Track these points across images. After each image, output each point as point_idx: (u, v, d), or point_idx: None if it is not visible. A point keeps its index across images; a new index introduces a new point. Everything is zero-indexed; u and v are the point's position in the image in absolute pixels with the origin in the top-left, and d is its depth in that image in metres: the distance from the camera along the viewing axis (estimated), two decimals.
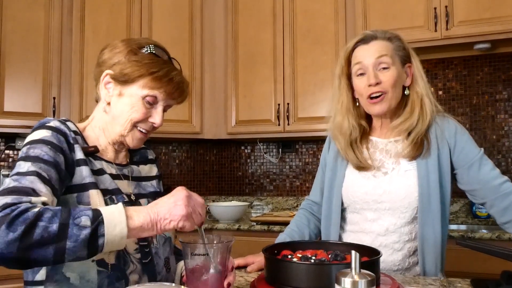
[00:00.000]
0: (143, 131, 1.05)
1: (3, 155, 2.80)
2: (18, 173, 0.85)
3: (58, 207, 0.81)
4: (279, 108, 2.84)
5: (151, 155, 1.22)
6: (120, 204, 0.85)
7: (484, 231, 2.31)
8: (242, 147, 3.33)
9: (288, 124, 2.81)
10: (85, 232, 0.77)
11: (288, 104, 2.82)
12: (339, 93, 1.39)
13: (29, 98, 2.57)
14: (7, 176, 2.42)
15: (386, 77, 1.27)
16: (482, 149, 1.31)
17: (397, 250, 1.29)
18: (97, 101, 1.10)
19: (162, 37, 2.81)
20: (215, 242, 0.91)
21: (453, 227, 2.53)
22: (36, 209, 0.78)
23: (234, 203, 2.90)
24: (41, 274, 0.93)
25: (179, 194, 0.88)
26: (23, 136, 2.77)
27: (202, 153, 3.37)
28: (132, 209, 0.85)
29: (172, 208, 0.86)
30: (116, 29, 2.75)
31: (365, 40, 1.32)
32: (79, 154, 0.97)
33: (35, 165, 0.87)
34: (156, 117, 1.04)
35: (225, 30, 3.03)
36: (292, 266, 0.92)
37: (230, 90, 2.99)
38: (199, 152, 3.36)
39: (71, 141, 0.97)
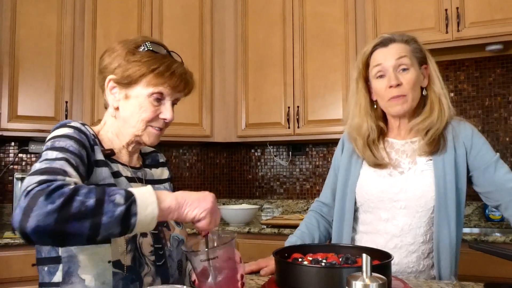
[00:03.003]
0: (157, 128, 1.05)
1: (16, 159, 2.84)
2: (47, 159, 0.86)
3: (93, 186, 0.81)
4: (289, 111, 2.84)
5: (162, 158, 1.23)
6: (149, 186, 0.85)
7: (498, 234, 2.28)
8: (252, 150, 3.33)
9: (298, 127, 2.81)
10: (120, 209, 0.78)
11: (298, 107, 2.82)
12: (357, 96, 1.40)
13: (42, 102, 2.61)
14: (21, 179, 2.45)
15: (406, 79, 1.29)
16: (498, 153, 1.31)
17: (412, 252, 1.28)
18: (106, 107, 1.11)
19: (173, 41, 2.83)
20: (216, 244, 0.91)
21: (466, 230, 2.49)
22: (72, 186, 0.79)
23: (245, 206, 2.90)
24: (57, 276, 0.94)
25: (207, 193, 0.91)
26: (36, 140, 2.80)
27: (212, 156, 3.38)
28: (160, 192, 0.86)
29: (201, 199, 0.88)
30: (127, 33, 2.78)
31: (383, 43, 1.33)
32: (99, 155, 0.98)
33: (62, 153, 0.88)
34: (166, 113, 1.03)
35: (235, 34, 3.04)
36: (302, 269, 0.91)
37: (240, 93, 3.00)
38: (209, 155, 3.37)
39: (92, 142, 0.98)
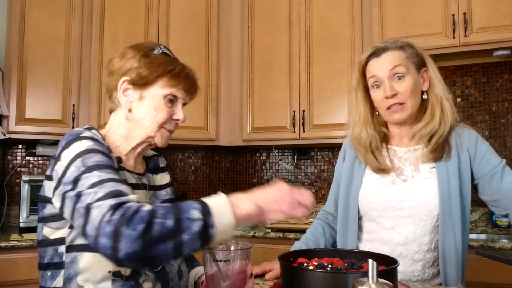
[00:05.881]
0: (169, 130, 1.07)
1: (24, 161, 2.86)
2: (94, 184, 0.84)
3: (167, 204, 0.83)
4: (294, 115, 2.84)
5: (162, 162, 1.22)
6: (223, 195, 0.85)
7: (505, 241, 2.26)
8: (258, 154, 3.33)
9: (304, 131, 2.81)
10: (198, 224, 0.79)
11: (303, 111, 2.81)
12: (356, 105, 1.39)
13: (49, 106, 2.63)
14: (28, 182, 2.46)
15: (403, 87, 1.27)
16: (504, 160, 1.29)
17: (417, 261, 1.27)
18: (110, 111, 1.10)
19: (179, 45, 2.85)
20: (232, 248, 0.91)
21: (472, 236, 2.47)
22: (146, 208, 0.80)
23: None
24: (58, 281, 0.94)
25: (282, 189, 0.88)
26: (43, 142, 2.82)
27: (217, 160, 3.38)
28: (236, 198, 0.85)
29: (278, 200, 0.86)
30: (134, 38, 2.79)
31: (376, 53, 1.31)
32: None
33: (101, 171, 0.87)
34: (179, 114, 1.06)
35: (241, 38, 3.05)
36: (308, 274, 0.91)
37: (245, 97, 3.00)
38: (215, 158, 3.38)
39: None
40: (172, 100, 1.04)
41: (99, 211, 0.79)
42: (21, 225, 2.45)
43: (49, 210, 0.95)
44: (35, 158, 2.89)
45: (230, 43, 3.07)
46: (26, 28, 2.60)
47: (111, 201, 0.80)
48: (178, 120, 1.06)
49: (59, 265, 0.95)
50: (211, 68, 2.97)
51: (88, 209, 0.81)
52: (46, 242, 0.97)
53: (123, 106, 1.05)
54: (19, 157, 2.86)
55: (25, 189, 2.47)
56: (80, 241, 0.92)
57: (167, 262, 0.80)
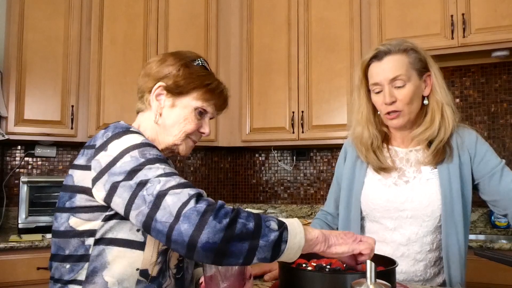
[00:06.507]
0: (193, 141, 1.09)
1: (22, 162, 2.86)
2: (161, 175, 0.85)
3: (248, 210, 0.86)
4: (293, 116, 2.84)
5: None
6: (296, 218, 0.89)
7: (504, 241, 2.27)
8: (257, 155, 3.33)
9: (303, 132, 2.81)
10: (274, 234, 0.82)
11: (302, 112, 2.82)
12: (358, 104, 1.38)
13: (48, 106, 2.63)
14: (26, 183, 2.46)
15: (402, 95, 1.25)
16: (504, 160, 1.30)
17: (419, 261, 1.28)
18: (137, 112, 1.11)
19: (178, 45, 2.85)
20: None
21: (471, 237, 2.48)
22: (231, 207, 0.83)
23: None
24: (81, 274, 0.92)
25: (348, 232, 0.95)
26: (42, 143, 2.82)
27: (216, 161, 3.38)
28: (305, 226, 0.89)
29: (342, 233, 0.92)
30: (133, 38, 2.80)
31: (378, 56, 1.28)
32: None
33: (163, 164, 0.89)
34: (206, 128, 1.08)
35: (240, 39, 3.05)
36: (306, 275, 0.91)
37: (244, 98, 3.00)
38: (214, 159, 3.38)
39: None
40: (202, 113, 1.07)
41: (177, 198, 0.81)
42: (20, 226, 2.44)
43: (80, 200, 0.93)
44: (34, 159, 2.89)
45: (229, 44, 3.07)
46: (25, 29, 2.59)
47: (190, 191, 0.82)
48: (204, 133, 1.09)
49: (83, 258, 0.92)
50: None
51: (159, 196, 0.82)
52: (70, 233, 0.93)
53: (153, 109, 1.06)
54: (18, 158, 2.85)
55: (23, 190, 2.47)
56: (111, 234, 0.91)
57: (236, 264, 0.81)
